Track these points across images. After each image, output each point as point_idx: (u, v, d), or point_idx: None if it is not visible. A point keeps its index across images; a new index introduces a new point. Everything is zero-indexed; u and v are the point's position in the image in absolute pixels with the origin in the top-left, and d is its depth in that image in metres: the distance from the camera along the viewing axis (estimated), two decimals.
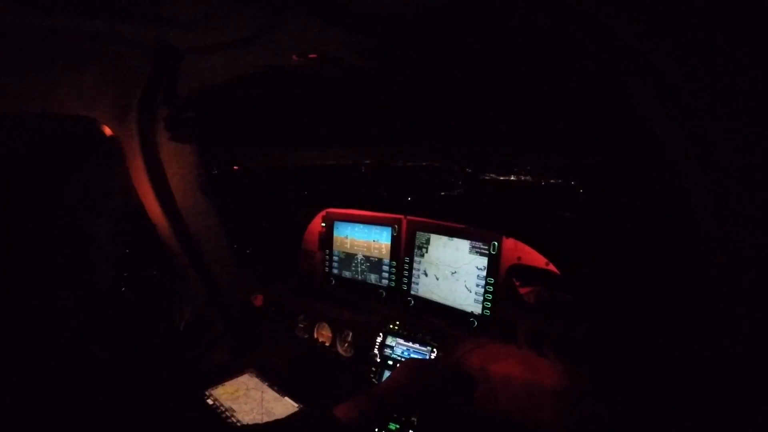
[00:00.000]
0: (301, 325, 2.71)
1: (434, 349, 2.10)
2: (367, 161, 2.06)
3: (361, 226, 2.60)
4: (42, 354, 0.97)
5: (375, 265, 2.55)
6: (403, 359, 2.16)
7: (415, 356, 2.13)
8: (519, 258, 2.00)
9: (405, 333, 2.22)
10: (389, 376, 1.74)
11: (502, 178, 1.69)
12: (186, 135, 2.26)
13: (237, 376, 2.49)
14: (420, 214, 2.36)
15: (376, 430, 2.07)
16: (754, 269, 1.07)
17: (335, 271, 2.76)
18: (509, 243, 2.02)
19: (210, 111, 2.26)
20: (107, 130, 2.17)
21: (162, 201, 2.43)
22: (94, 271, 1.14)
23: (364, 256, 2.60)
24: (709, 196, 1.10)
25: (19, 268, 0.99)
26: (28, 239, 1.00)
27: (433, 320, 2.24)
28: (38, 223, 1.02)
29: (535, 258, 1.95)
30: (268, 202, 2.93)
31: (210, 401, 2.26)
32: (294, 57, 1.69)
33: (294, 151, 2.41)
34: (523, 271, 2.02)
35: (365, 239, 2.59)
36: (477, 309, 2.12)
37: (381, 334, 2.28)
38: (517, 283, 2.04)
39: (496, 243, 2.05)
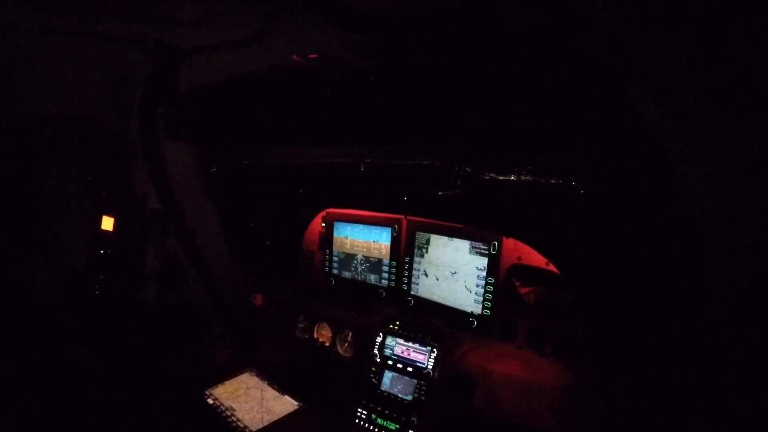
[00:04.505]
0: (301, 325, 2.71)
1: (434, 349, 2.10)
2: (368, 160, 2.06)
3: (361, 226, 2.60)
4: (23, 351, 0.97)
5: (375, 265, 2.55)
6: (403, 359, 2.16)
7: (415, 356, 2.13)
8: (519, 258, 2.00)
9: (405, 333, 2.22)
10: None
11: (502, 177, 1.68)
12: (186, 134, 2.27)
13: (237, 375, 2.49)
14: (420, 214, 2.36)
15: (374, 429, 2.07)
16: (753, 270, 1.07)
17: (335, 271, 2.76)
18: (509, 243, 2.02)
19: (210, 110, 2.26)
20: (106, 129, 2.18)
21: (162, 200, 2.43)
22: (76, 256, 1.15)
23: (364, 256, 2.60)
24: (708, 196, 1.10)
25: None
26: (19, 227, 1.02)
27: (433, 320, 2.24)
28: (25, 210, 1.03)
29: (535, 258, 1.95)
30: (269, 202, 2.93)
31: (210, 401, 2.27)
32: (294, 57, 1.69)
33: (294, 150, 2.41)
34: (523, 271, 2.02)
35: (365, 239, 2.59)
36: (477, 309, 2.12)
37: (381, 334, 2.28)
38: (517, 283, 2.04)
39: (496, 243, 2.05)
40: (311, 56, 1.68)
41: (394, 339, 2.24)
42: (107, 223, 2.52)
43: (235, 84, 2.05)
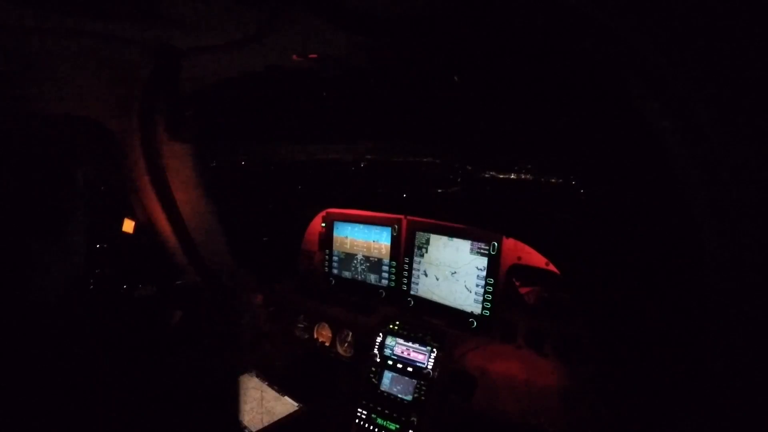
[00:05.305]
0: (301, 325, 2.71)
1: (434, 349, 2.10)
2: (368, 157, 2.07)
3: (361, 226, 2.60)
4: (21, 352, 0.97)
5: (375, 265, 2.55)
6: (402, 359, 2.16)
7: (415, 356, 2.13)
8: (519, 258, 2.00)
9: (405, 333, 2.22)
10: None
11: (502, 176, 1.69)
12: (186, 134, 2.27)
13: (237, 376, 2.49)
14: (420, 213, 2.36)
15: (374, 429, 2.07)
16: (753, 270, 1.07)
17: (335, 271, 2.76)
18: (509, 243, 2.02)
19: (210, 110, 2.26)
20: (106, 129, 2.17)
21: (162, 199, 2.43)
22: (77, 256, 1.15)
23: (364, 256, 2.60)
24: (708, 197, 1.10)
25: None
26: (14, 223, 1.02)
27: (433, 320, 2.23)
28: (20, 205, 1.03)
29: (535, 258, 1.95)
30: (269, 201, 2.93)
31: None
32: (294, 57, 1.69)
33: (294, 148, 2.42)
34: (523, 271, 2.02)
35: (365, 239, 2.59)
36: (477, 309, 2.12)
37: (381, 334, 2.27)
38: (517, 283, 2.04)
39: (496, 243, 2.05)
40: (311, 56, 1.68)
41: (394, 339, 2.23)
42: (128, 226, 2.52)
43: (235, 83, 2.06)
